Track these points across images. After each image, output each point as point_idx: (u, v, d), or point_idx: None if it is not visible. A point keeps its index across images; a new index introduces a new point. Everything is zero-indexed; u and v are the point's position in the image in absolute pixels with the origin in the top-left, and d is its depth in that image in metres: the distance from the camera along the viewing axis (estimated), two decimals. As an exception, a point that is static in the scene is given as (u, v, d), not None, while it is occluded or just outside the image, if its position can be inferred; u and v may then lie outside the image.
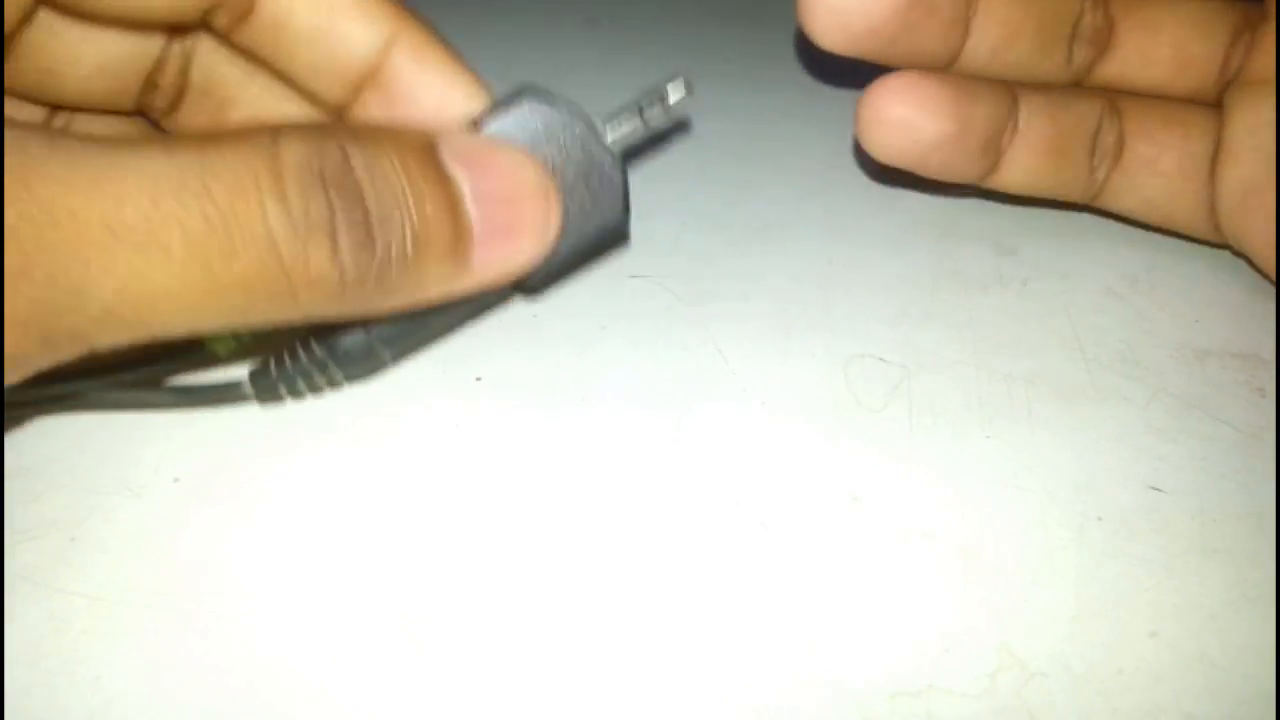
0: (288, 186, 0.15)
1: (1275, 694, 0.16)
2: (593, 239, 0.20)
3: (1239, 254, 0.24)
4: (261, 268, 0.15)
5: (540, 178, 0.19)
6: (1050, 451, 0.20)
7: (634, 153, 0.24)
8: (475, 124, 0.19)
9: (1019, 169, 0.24)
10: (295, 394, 0.20)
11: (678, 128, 0.26)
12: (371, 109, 0.20)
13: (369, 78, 0.20)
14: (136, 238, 0.14)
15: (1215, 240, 0.25)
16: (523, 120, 0.19)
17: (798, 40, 0.28)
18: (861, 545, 0.19)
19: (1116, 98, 0.24)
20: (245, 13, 0.19)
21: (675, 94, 0.20)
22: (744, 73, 0.33)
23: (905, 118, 0.22)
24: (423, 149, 0.17)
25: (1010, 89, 0.24)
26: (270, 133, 0.16)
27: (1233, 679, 0.17)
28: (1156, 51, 0.24)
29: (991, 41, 0.23)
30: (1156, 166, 0.24)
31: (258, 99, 0.21)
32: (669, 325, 0.23)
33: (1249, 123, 0.23)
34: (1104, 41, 0.24)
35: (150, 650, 0.17)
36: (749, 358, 0.22)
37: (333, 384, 0.21)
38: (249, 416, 0.21)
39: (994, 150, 0.24)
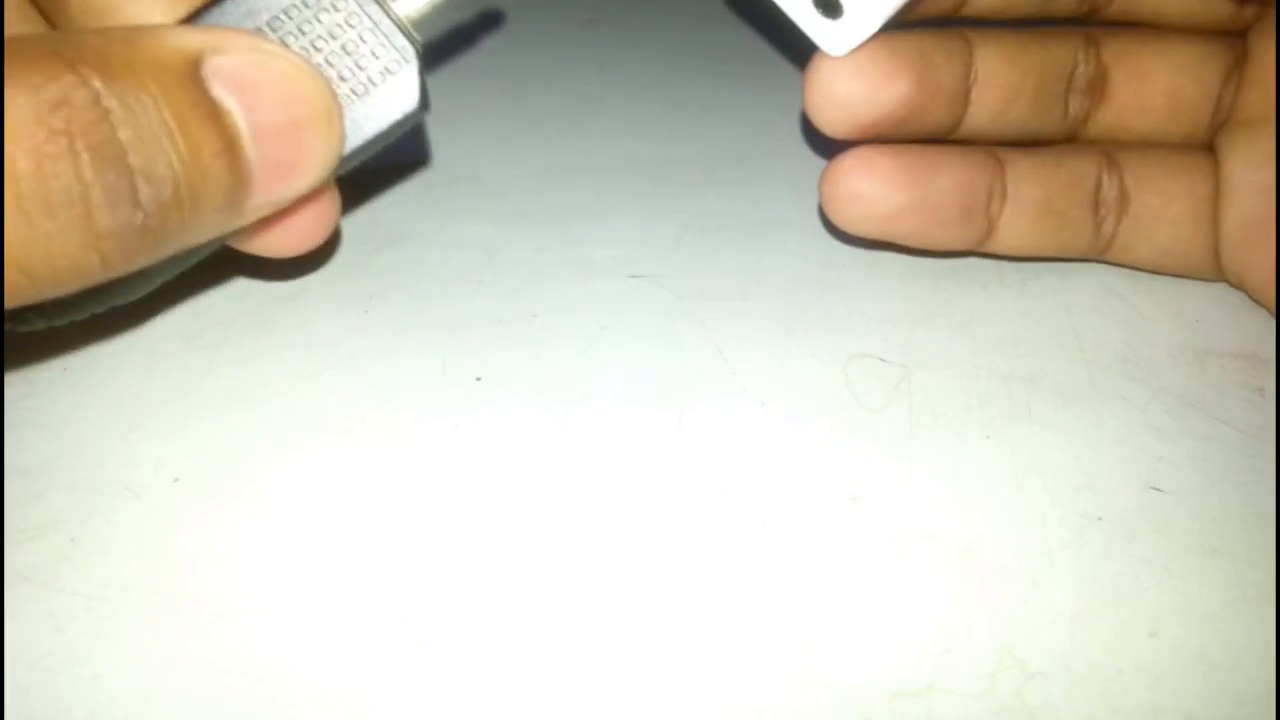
0: (17, 157, 0.13)
1: (1275, 694, 0.16)
2: (384, 131, 0.18)
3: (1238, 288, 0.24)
4: None
5: (322, 94, 0.17)
6: (1050, 451, 0.20)
7: (444, 47, 0.21)
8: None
9: (1015, 234, 0.24)
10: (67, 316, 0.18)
11: (489, 22, 0.23)
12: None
13: None
14: None
15: (1222, 280, 0.25)
16: None
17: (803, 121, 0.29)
18: (861, 545, 0.19)
19: (1112, 150, 0.24)
20: None
21: None
22: (744, 72, 0.33)
23: (861, 191, 0.23)
24: (188, 76, 0.15)
25: (993, 154, 0.24)
26: None
27: (1233, 679, 0.17)
28: (1151, 100, 0.24)
29: (991, 108, 0.23)
30: (1166, 215, 0.24)
31: None
32: (669, 325, 0.23)
33: (1245, 160, 0.23)
34: (1099, 92, 0.24)
35: (150, 650, 0.17)
36: (749, 357, 0.22)
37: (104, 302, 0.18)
38: (249, 417, 0.21)
39: (979, 217, 0.23)
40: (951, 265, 0.25)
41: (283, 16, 0.17)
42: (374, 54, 0.18)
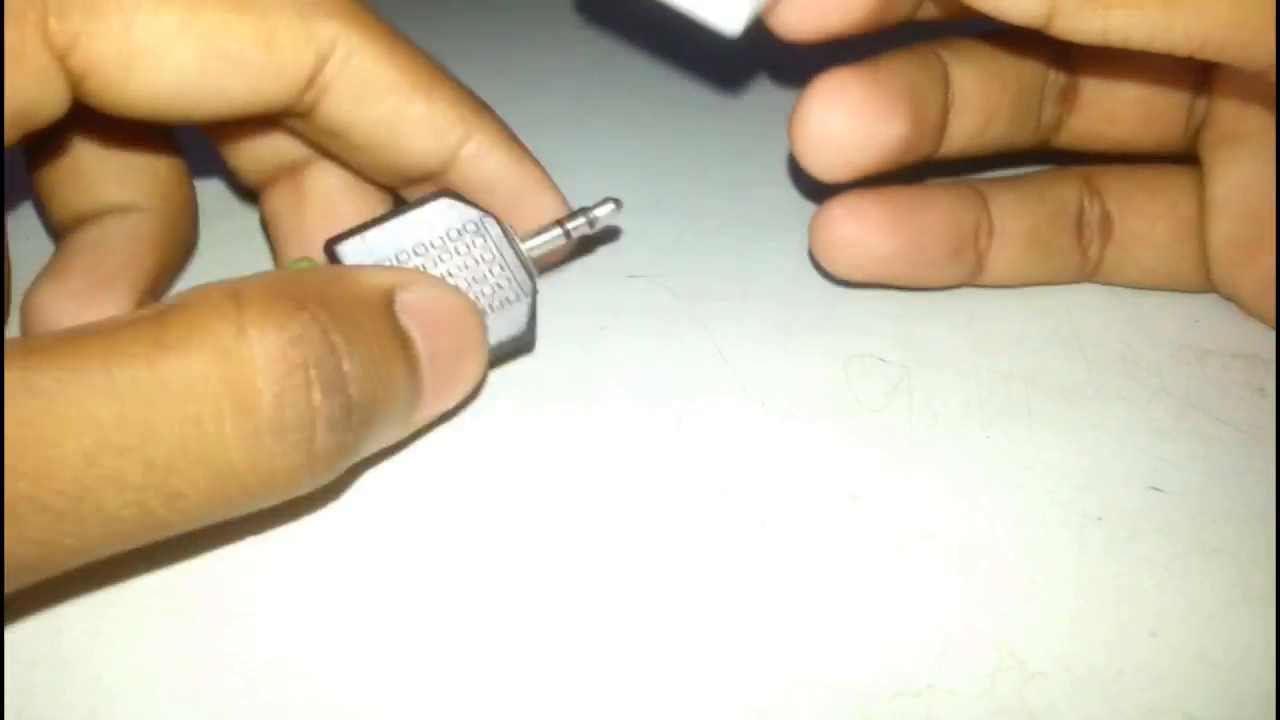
0: (261, 387, 0.14)
1: (1275, 694, 0.16)
2: (495, 353, 0.20)
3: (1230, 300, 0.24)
4: (215, 482, 0.14)
5: (479, 328, 0.19)
6: (1050, 451, 0.20)
7: (558, 263, 0.24)
8: (385, 219, 0.19)
9: (1005, 266, 0.24)
10: None
11: (605, 235, 0.25)
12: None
13: (434, 175, 0.20)
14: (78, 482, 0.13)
15: (1213, 291, 0.24)
16: (437, 221, 0.20)
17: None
18: (861, 545, 0.19)
19: (1092, 174, 0.24)
20: (305, 112, 0.19)
21: (603, 214, 0.21)
22: (743, 73, 0.33)
23: (851, 239, 0.22)
24: (386, 309, 0.17)
25: (975, 188, 0.23)
26: (234, 322, 0.14)
27: (1233, 679, 0.17)
28: (1122, 110, 0.24)
29: (970, 130, 0.23)
30: (1150, 239, 0.24)
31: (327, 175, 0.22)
32: (669, 325, 0.23)
33: (1230, 181, 0.23)
34: (1070, 100, 0.24)
35: (150, 650, 0.17)
36: (749, 357, 0.22)
37: None
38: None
39: (968, 253, 0.23)
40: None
41: (426, 247, 0.20)
42: (498, 285, 0.20)
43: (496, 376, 0.22)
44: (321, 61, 0.18)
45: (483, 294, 0.20)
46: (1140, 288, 0.25)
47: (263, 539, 0.18)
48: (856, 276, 0.23)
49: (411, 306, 0.17)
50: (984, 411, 0.21)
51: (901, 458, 0.20)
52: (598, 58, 0.34)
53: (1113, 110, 0.24)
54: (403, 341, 0.17)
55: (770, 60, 0.34)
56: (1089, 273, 0.24)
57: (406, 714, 0.16)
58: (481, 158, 0.20)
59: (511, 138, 0.21)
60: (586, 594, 0.18)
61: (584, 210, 0.21)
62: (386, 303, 0.17)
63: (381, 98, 0.19)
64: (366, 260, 0.19)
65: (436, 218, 0.20)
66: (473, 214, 0.20)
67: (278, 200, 0.22)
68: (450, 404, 0.19)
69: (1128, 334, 0.23)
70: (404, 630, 0.17)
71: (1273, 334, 0.23)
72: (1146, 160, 0.24)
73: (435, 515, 0.19)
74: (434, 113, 0.20)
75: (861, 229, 0.22)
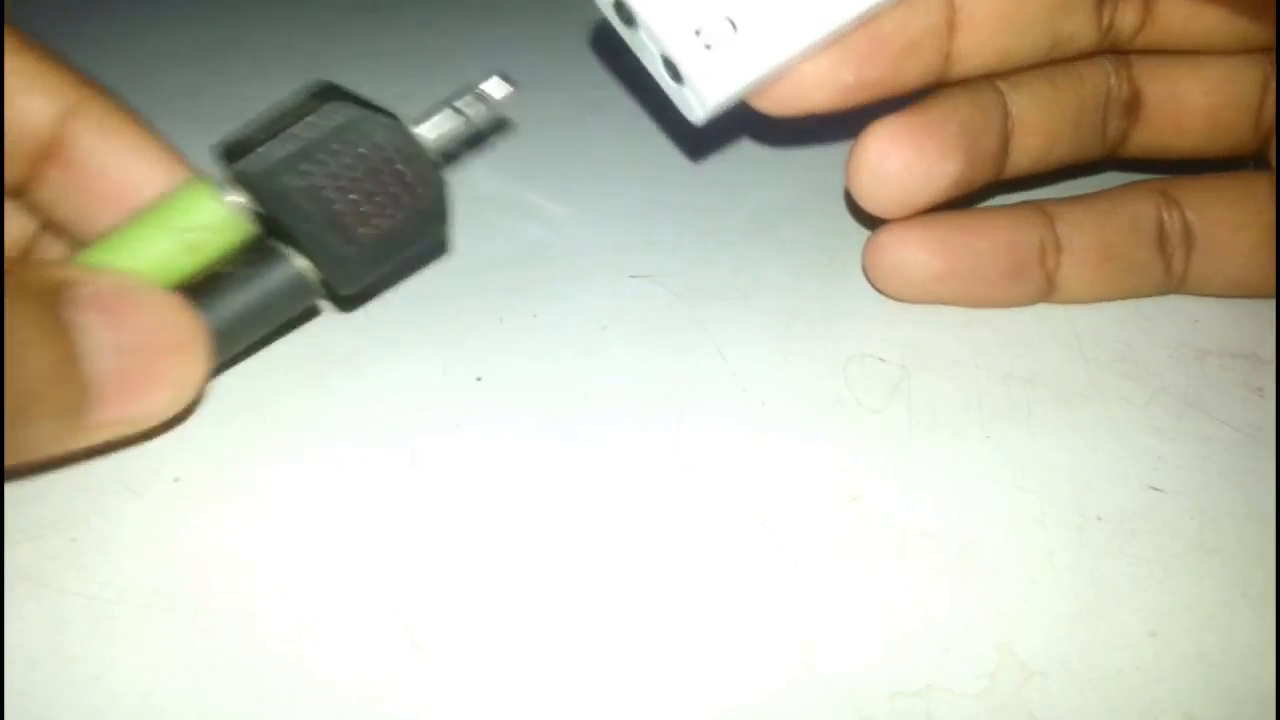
0: None
1: (1275, 694, 0.16)
2: (413, 251, 0.20)
3: None
4: None
5: (185, 325, 0.18)
6: (1049, 451, 0.21)
7: (457, 153, 0.23)
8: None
9: (1079, 283, 0.23)
10: None
11: (499, 127, 0.24)
12: (57, 188, 0.20)
13: (50, 153, 0.19)
14: None
15: None
16: (324, 125, 0.18)
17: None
18: (861, 545, 0.19)
19: (1169, 186, 0.24)
20: None
21: (497, 91, 0.20)
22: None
23: (898, 261, 0.23)
24: (41, 294, 0.16)
25: (1041, 209, 0.23)
26: None
27: (1232, 679, 0.17)
28: (1189, 121, 0.24)
29: (1033, 153, 0.23)
30: (1234, 249, 0.23)
31: None
32: (669, 325, 0.23)
33: None
34: (1134, 114, 0.24)
35: (150, 650, 0.17)
36: (749, 358, 0.22)
37: None
38: (249, 416, 0.21)
39: (1033, 273, 0.23)
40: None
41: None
42: (402, 175, 0.19)
43: (495, 377, 0.22)
44: None
45: (389, 197, 0.19)
46: (1228, 297, 0.24)
47: (262, 539, 0.18)
48: (911, 298, 0.24)
49: (90, 292, 0.17)
50: (983, 412, 0.21)
51: (901, 458, 0.20)
52: (598, 57, 0.34)
53: (1179, 120, 0.24)
54: (53, 326, 0.16)
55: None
56: (1173, 286, 0.24)
57: (406, 714, 0.16)
58: (95, 128, 0.19)
59: (125, 107, 0.20)
60: (586, 594, 0.18)
61: (468, 90, 0.20)
62: (49, 288, 0.17)
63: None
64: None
65: (329, 120, 0.18)
66: (361, 113, 0.18)
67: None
68: (151, 409, 0.18)
69: (1127, 334, 0.23)
70: (405, 632, 0.17)
71: (1272, 334, 0.23)
72: (1220, 164, 0.24)
73: (435, 515, 0.19)
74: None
75: (913, 252, 0.23)
